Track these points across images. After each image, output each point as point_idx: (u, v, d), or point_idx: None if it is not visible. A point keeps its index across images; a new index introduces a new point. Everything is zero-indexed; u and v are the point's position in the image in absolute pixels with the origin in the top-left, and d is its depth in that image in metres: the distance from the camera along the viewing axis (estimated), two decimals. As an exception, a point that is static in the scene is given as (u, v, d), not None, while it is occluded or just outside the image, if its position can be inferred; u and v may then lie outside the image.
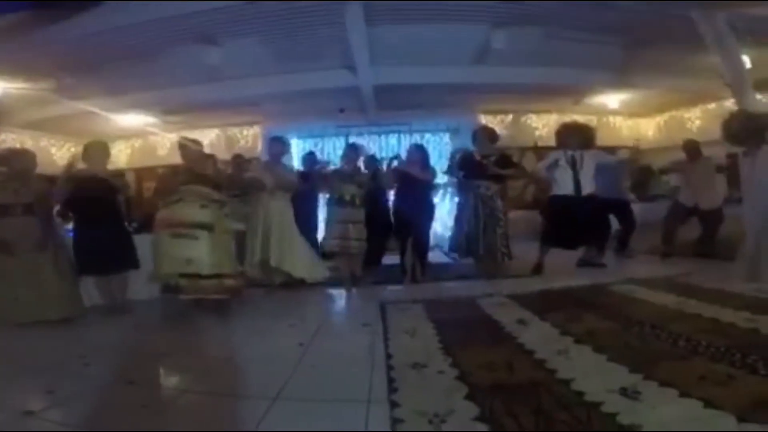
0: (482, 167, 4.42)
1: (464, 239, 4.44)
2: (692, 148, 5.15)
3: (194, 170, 3.61)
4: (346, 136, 8.49)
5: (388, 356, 2.23)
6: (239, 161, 5.16)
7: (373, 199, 4.61)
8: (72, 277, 3.46)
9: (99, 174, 3.61)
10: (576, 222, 4.33)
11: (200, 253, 3.32)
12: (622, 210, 5.34)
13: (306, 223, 4.79)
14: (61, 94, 5.94)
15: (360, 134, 8.73)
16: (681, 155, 5.24)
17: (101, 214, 3.51)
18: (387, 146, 8.82)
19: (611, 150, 5.94)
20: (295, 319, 3.21)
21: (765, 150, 3.61)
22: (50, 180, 3.71)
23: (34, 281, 3.22)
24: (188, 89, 6.50)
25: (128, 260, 3.61)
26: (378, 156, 5.78)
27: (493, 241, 4.35)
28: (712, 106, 7.82)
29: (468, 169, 4.55)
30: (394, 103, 7.54)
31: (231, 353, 2.58)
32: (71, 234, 3.69)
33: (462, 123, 8.22)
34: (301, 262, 4.18)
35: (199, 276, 3.29)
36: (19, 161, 3.43)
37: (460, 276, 4.60)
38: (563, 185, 4.45)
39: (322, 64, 6.05)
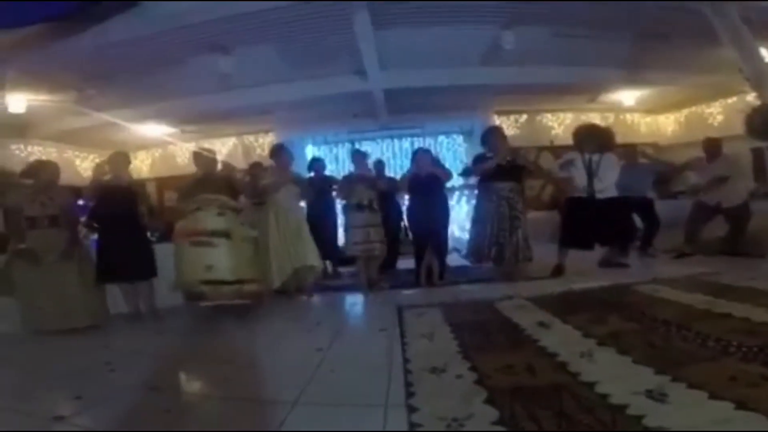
0: (500, 168, 4.37)
1: (486, 243, 4.32)
2: (712, 147, 5.00)
3: (210, 178, 3.68)
4: (352, 142, 8.51)
5: (406, 360, 2.21)
6: (257, 170, 5.21)
7: (385, 203, 4.62)
8: (97, 286, 3.55)
9: (121, 183, 3.71)
10: (592, 222, 4.25)
11: (220, 260, 3.39)
12: (646, 209, 5.23)
13: (324, 228, 4.84)
14: (82, 105, 6.12)
15: (373, 139, 8.76)
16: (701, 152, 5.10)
17: (122, 222, 3.59)
18: (400, 150, 8.83)
19: (630, 147, 5.80)
20: (313, 324, 3.23)
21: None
22: (75, 191, 3.83)
23: (59, 290, 3.32)
24: (204, 98, 6.64)
25: (145, 268, 3.68)
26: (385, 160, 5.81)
27: (516, 243, 4.29)
28: (733, 100, 7.61)
29: (481, 172, 4.48)
30: (406, 107, 7.55)
31: (251, 359, 2.60)
32: (95, 245, 3.79)
33: (476, 124, 8.18)
34: (313, 251, 4.20)
35: (220, 282, 3.36)
36: (44, 173, 3.55)
37: (477, 279, 4.55)
38: (579, 188, 4.38)
39: (333, 70, 6.10)
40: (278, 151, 4.48)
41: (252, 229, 4.02)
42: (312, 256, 4.15)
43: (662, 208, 5.49)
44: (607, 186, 4.35)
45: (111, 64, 5.21)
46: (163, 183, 8.97)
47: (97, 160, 8.41)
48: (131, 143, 8.04)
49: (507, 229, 4.28)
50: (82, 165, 8.75)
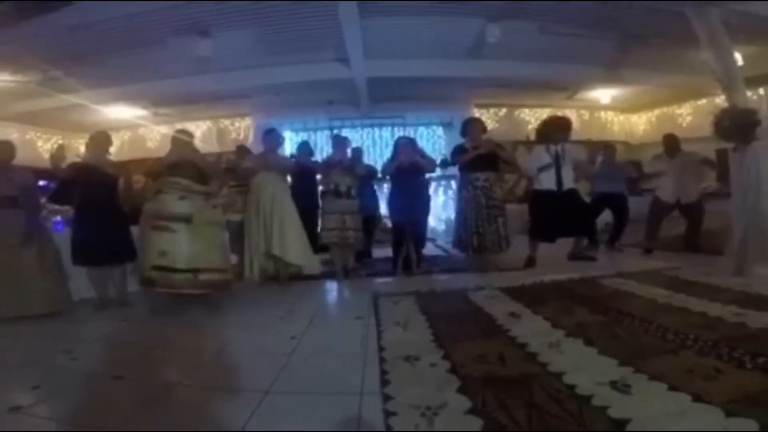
0: (476, 158, 4.39)
1: (471, 234, 4.38)
2: (672, 143, 5.17)
3: (181, 162, 3.54)
4: (331, 129, 8.42)
5: (381, 349, 2.23)
6: (243, 152, 5.12)
7: (362, 191, 4.60)
8: (58, 271, 3.41)
9: (99, 164, 3.57)
10: (558, 215, 4.35)
11: (175, 246, 3.20)
12: (620, 204, 5.37)
13: (304, 214, 4.81)
14: (47, 86, 5.83)
15: (353, 127, 8.70)
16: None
17: (101, 204, 3.46)
18: (380, 139, 8.81)
19: (610, 145, 5.98)
20: (286, 311, 3.20)
21: (754, 146, 3.65)
22: (37, 172, 3.65)
23: (17, 276, 3.17)
24: (179, 81, 6.42)
25: (125, 252, 3.55)
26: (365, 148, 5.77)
27: (496, 231, 4.37)
28: (702, 102, 7.89)
29: (463, 162, 4.52)
30: (388, 96, 7.51)
31: (222, 346, 2.56)
32: (57, 227, 3.64)
33: (455, 116, 8.21)
34: (298, 250, 4.07)
35: (172, 270, 3.16)
36: None
37: (451, 269, 4.61)
38: (546, 181, 4.45)
39: (315, 56, 5.99)
40: (265, 135, 4.45)
41: (233, 214, 3.96)
42: (294, 253, 4.01)
43: (630, 204, 5.66)
44: (569, 169, 4.45)
45: (81, 45, 4.96)
46: (131, 166, 8.63)
47: (61, 142, 8.15)
48: (99, 125, 7.68)
49: (484, 218, 4.35)
50: (44, 146, 8.37)
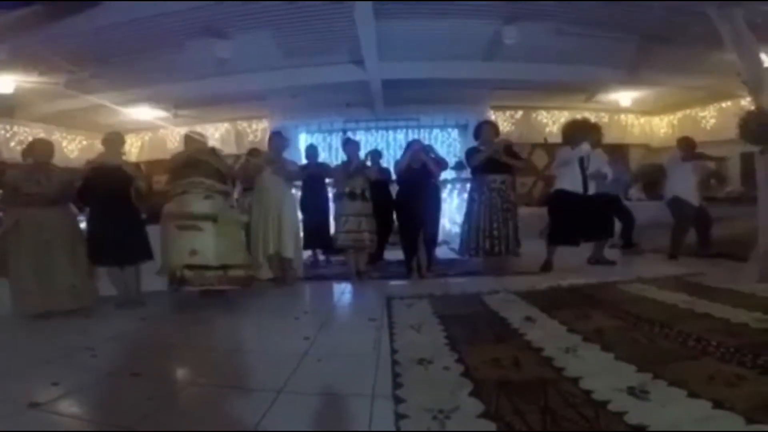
0: (490, 160, 4.36)
1: (480, 236, 4.33)
2: (690, 145, 5.04)
3: (198, 161, 3.61)
4: (344, 131, 8.43)
5: (394, 351, 2.23)
6: (255, 154, 5.17)
7: (377, 193, 4.60)
8: (86, 267, 3.50)
9: (115, 163, 3.64)
10: (581, 217, 4.29)
11: (204, 245, 3.34)
12: (612, 206, 5.23)
13: (316, 216, 4.88)
14: (72, 88, 6.00)
15: (367, 129, 8.73)
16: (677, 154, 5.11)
17: (115, 203, 3.53)
18: (394, 141, 8.82)
19: (620, 148, 5.87)
20: (300, 312, 3.22)
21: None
22: (70, 171, 3.79)
23: (48, 272, 3.28)
24: (199, 83, 6.54)
25: (141, 252, 3.62)
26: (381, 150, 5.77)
27: (507, 235, 4.31)
28: (727, 104, 7.69)
29: (476, 164, 4.50)
30: (403, 99, 7.52)
31: (237, 346, 2.59)
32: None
33: (471, 119, 8.15)
34: (292, 244, 4.14)
35: (204, 267, 3.31)
36: (37, 151, 3.47)
37: (465, 272, 4.58)
38: (571, 182, 4.39)
39: (330, 58, 6.04)
40: (271, 137, 4.49)
41: (244, 214, 4.02)
42: (289, 248, 4.10)
43: (651, 209, 5.54)
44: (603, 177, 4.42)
45: (105, 47, 5.11)
46: (152, 166, 8.85)
47: (85, 143, 8.40)
48: (121, 126, 7.90)
49: (499, 220, 4.30)
50: (69, 147, 8.63)
